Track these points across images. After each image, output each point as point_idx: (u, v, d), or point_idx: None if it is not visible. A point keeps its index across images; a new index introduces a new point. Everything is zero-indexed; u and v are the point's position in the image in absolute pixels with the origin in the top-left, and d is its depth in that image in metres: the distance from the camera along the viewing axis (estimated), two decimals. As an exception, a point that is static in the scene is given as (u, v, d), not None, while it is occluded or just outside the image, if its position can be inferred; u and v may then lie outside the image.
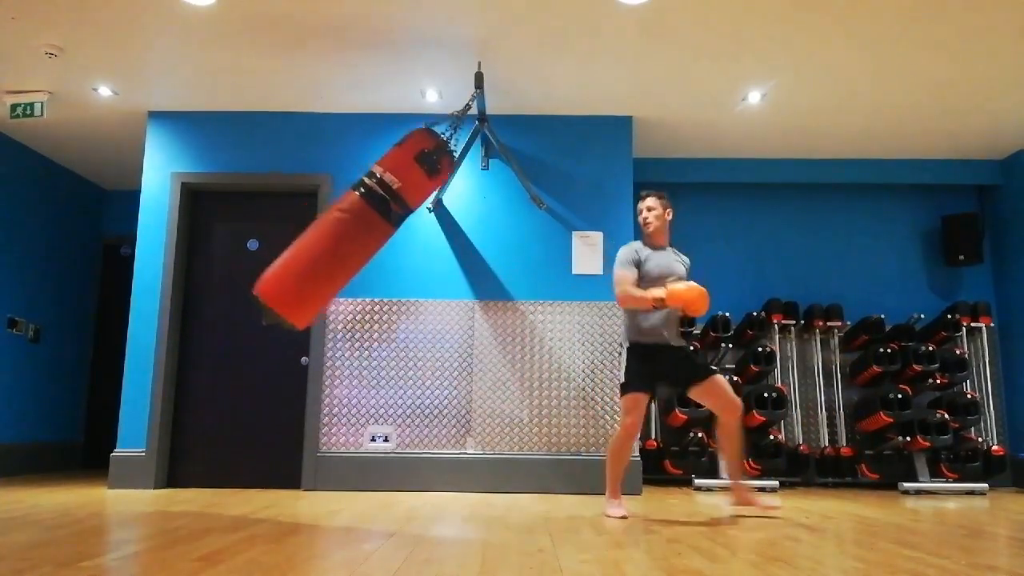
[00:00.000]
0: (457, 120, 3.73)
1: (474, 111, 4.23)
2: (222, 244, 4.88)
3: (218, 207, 4.92)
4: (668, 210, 3.58)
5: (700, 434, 4.90)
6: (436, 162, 3.35)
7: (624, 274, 3.45)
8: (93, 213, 6.35)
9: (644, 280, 3.44)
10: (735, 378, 5.03)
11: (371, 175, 3.28)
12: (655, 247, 3.54)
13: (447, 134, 3.52)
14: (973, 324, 5.40)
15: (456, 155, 3.74)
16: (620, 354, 3.39)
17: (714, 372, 3.51)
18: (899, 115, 4.84)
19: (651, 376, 3.45)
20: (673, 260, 3.55)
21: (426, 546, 2.52)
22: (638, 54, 4.11)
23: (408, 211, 3.37)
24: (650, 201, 3.57)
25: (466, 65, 4.23)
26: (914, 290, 5.69)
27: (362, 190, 3.25)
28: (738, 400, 3.46)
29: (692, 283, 3.33)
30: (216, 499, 3.91)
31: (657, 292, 3.31)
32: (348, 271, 3.30)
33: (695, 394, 3.48)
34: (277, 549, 2.42)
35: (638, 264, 3.46)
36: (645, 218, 3.56)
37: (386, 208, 3.28)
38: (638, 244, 3.55)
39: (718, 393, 3.43)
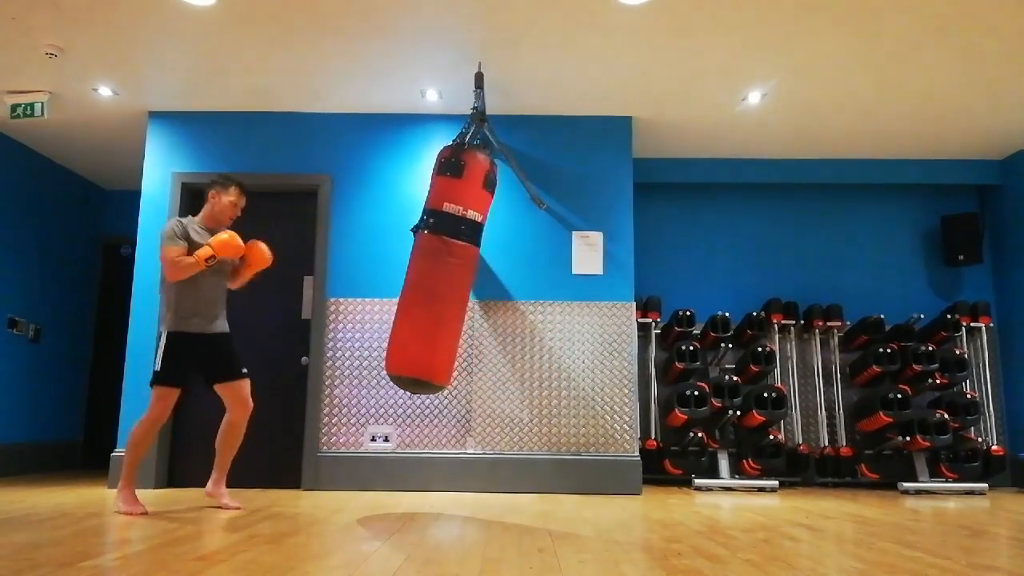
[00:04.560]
0: (474, 122, 3.92)
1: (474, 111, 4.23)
2: (222, 244, 4.88)
3: (218, 207, 4.91)
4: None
5: (700, 434, 4.90)
6: (458, 163, 3.49)
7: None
8: (93, 213, 6.35)
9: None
10: (735, 378, 5.02)
11: (433, 215, 3.46)
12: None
13: (465, 136, 3.73)
14: (973, 324, 5.40)
15: (482, 145, 3.83)
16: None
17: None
18: (899, 115, 4.84)
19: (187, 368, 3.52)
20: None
21: (426, 546, 2.52)
22: (638, 54, 4.11)
23: (479, 224, 3.56)
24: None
25: (466, 65, 4.23)
26: (914, 290, 5.70)
27: (446, 229, 3.43)
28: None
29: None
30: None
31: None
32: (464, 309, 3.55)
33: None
34: (277, 549, 2.42)
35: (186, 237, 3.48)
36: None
37: (471, 232, 3.48)
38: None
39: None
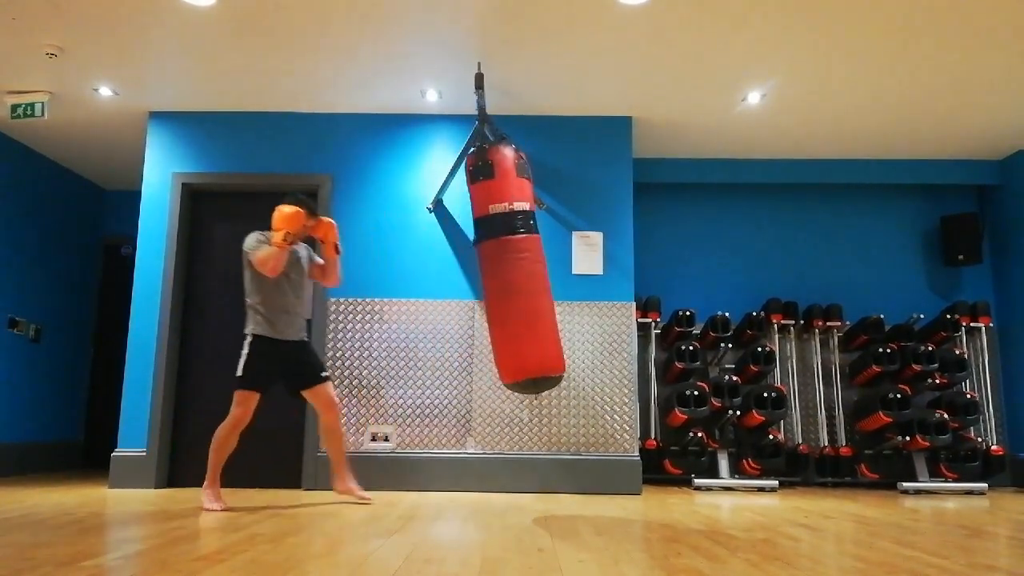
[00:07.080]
0: (481, 124, 3.94)
1: (473, 111, 4.23)
2: (222, 244, 4.88)
3: (218, 207, 4.92)
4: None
5: (700, 434, 4.90)
6: (486, 164, 3.50)
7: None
8: (93, 213, 6.35)
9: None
10: (735, 378, 5.03)
11: (484, 221, 3.45)
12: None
13: (481, 137, 3.79)
14: (972, 324, 5.40)
15: (501, 138, 3.82)
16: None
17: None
18: (899, 115, 4.84)
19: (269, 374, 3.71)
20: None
21: (426, 546, 2.52)
22: (638, 54, 4.11)
23: (530, 212, 3.55)
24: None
25: (466, 65, 4.23)
26: (913, 290, 5.70)
27: (521, 229, 3.43)
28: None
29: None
30: (216, 499, 3.90)
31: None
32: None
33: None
34: (277, 549, 2.43)
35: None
36: None
37: (525, 222, 3.48)
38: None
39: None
